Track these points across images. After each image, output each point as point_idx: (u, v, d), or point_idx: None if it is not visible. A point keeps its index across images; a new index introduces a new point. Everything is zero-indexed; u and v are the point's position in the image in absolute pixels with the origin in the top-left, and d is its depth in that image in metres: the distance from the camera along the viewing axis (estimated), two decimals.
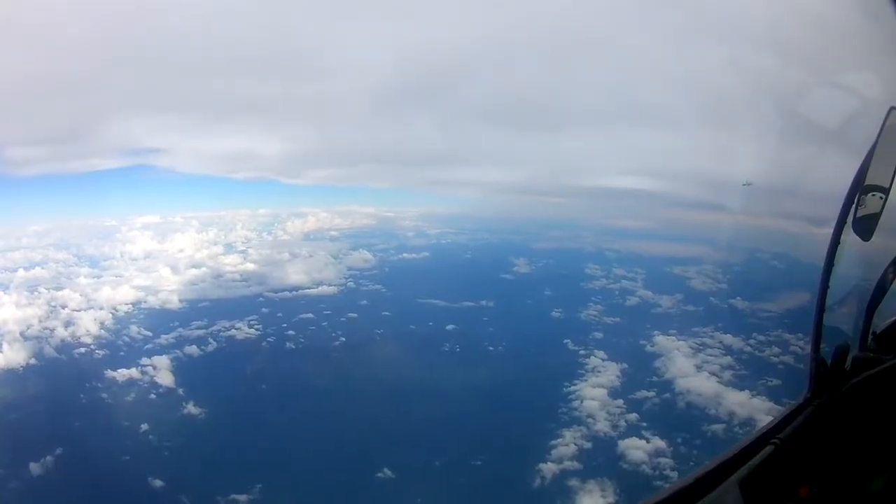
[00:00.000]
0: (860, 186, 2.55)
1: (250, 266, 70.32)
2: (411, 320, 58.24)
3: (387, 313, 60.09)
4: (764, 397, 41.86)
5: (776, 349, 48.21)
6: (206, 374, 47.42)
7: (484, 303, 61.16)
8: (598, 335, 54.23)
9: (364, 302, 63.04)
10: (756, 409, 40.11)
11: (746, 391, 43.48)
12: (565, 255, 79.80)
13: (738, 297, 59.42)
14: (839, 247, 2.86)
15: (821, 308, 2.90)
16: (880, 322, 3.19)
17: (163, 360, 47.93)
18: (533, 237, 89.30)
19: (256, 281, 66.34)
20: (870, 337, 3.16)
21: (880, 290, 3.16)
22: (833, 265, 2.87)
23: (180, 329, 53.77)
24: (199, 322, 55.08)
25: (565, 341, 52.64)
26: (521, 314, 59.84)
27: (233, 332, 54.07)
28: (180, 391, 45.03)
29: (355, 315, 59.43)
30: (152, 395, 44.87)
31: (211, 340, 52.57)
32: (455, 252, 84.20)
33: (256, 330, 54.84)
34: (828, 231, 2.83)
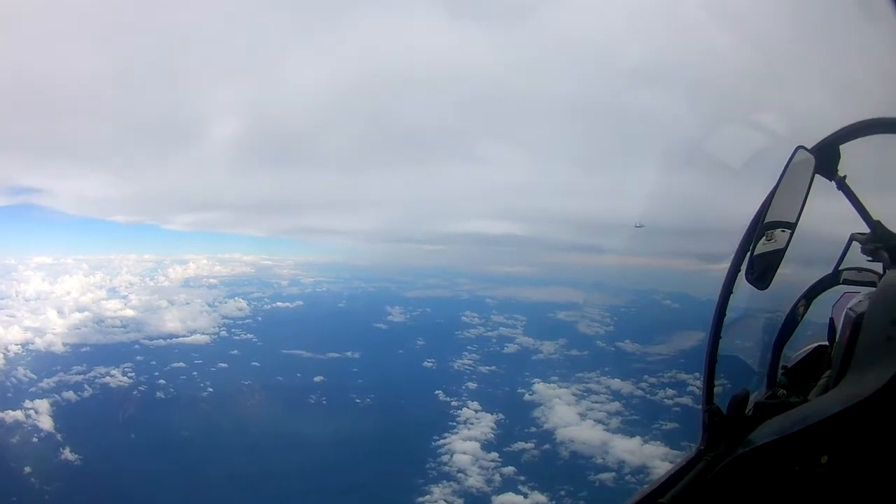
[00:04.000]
0: (760, 223, 2.29)
1: (130, 312, 72.10)
2: (279, 371, 60.18)
3: (256, 364, 62.37)
4: (659, 442, 40.59)
5: (670, 391, 46.87)
6: (81, 421, 48.74)
7: (350, 354, 62.60)
8: (472, 385, 54.68)
9: (235, 351, 65.30)
10: (649, 456, 39.27)
11: (637, 437, 42.25)
12: (442, 302, 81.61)
13: (628, 340, 58.24)
14: (732, 295, 2.55)
15: (712, 357, 2.58)
16: (791, 354, 3.01)
17: (44, 405, 50.11)
18: (408, 285, 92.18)
19: (134, 327, 67.75)
20: (779, 372, 2.96)
21: (790, 324, 3.05)
22: (725, 313, 2.57)
23: (61, 373, 55.18)
24: (79, 367, 56.59)
25: (437, 392, 52.96)
26: (391, 365, 60.20)
27: (108, 378, 55.69)
28: (59, 436, 46.59)
29: (225, 365, 61.39)
30: (35, 439, 46.39)
31: (87, 387, 54.18)
32: (329, 301, 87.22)
33: (130, 378, 56.50)
34: (725, 266, 2.54)
